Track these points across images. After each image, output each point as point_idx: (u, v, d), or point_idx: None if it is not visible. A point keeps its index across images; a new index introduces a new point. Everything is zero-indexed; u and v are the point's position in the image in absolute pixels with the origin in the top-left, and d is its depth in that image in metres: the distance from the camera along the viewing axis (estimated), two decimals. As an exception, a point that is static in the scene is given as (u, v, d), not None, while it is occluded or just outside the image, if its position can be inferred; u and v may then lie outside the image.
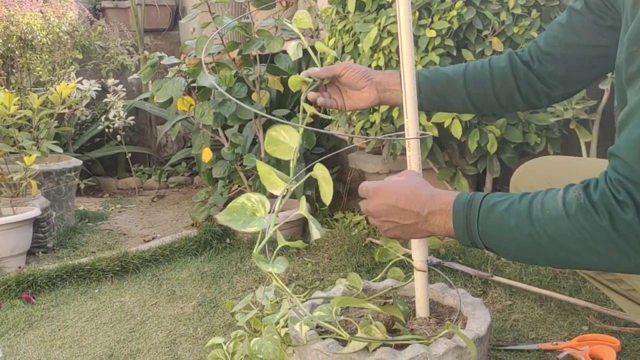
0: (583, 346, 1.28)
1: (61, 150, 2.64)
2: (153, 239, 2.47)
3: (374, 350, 0.96)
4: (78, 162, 2.81)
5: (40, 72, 3.09)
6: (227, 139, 2.40)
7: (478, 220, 0.79)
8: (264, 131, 2.36)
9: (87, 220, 2.85)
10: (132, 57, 3.94)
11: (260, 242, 0.88)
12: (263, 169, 0.92)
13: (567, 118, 1.71)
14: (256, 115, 2.32)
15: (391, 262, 1.20)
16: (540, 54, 1.06)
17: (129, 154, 3.64)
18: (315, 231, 0.88)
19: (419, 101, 1.08)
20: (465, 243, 0.82)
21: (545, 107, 1.12)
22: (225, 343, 1.36)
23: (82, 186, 2.95)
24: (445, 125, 1.68)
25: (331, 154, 1.07)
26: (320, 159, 1.07)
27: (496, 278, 1.64)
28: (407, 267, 1.23)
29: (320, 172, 0.88)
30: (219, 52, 2.30)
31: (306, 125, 1.01)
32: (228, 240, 2.29)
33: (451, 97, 1.13)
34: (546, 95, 1.09)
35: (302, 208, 0.92)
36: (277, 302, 1.27)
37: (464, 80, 1.11)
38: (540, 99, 1.10)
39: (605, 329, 1.38)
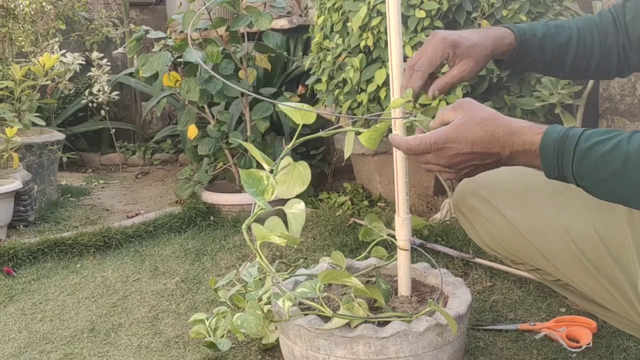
0: (560, 327, 1.31)
1: (43, 123, 2.60)
2: (136, 215, 2.46)
3: (355, 326, 0.97)
4: (61, 136, 2.77)
5: (23, 43, 3.02)
6: (213, 116, 2.38)
7: (573, 160, 0.73)
8: (251, 109, 2.34)
9: (69, 195, 2.82)
10: (117, 30, 3.87)
11: (252, 217, 0.95)
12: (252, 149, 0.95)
13: (553, 103, 1.72)
14: (243, 93, 2.30)
15: (375, 242, 1.21)
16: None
17: (113, 130, 3.60)
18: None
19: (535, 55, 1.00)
20: (554, 178, 0.78)
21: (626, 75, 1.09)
22: (207, 319, 1.36)
23: (64, 160, 2.90)
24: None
25: (316, 135, 1.06)
26: (305, 139, 1.07)
27: (477, 260, 1.66)
28: (390, 247, 1.24)
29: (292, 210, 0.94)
30: (206, 28, 2.26)
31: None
32: (212, 217, 2.28)
33: (555, 66, 1.05)
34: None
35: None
36: (260, 279, 1.28)
37: (574, 53, 1.03)
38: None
39: (582, 311, 1.40)
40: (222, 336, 1.30)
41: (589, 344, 1.25)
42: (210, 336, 1.31)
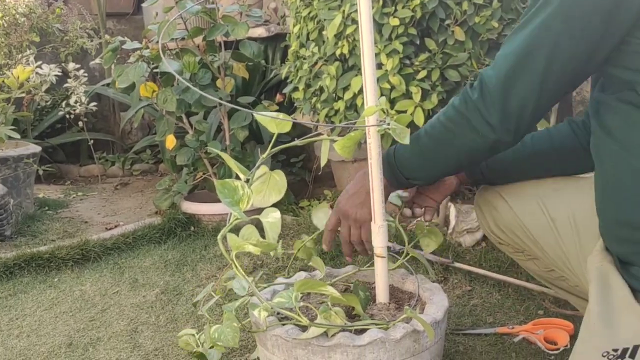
0: (538, 329, 1.32)
1: (18, 136, 2.56)
2: (115, 226, 2.43)
3: (333, 335, 0.97)
4: (37, 149, 2.73)
5: (-4, 56, 2.98)
6: (191, 125, 2.37)
7: (394, 157, 1.06)
8: (229, 118, 2.34)
9: (47, 208, 2.78)
10: (92, 41, 3.83)
11: (228, 227, 0.97)
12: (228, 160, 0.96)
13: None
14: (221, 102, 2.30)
15: (355, 249, 1.21)
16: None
17: (92, 141, 3.55)
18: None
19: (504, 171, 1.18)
20: (395, 185, 1.09)
21: None
22: (197, 334, 1.34)
23: (41, 173, 2.86)
24: (408, 113, 1.69)
25: (296, 143, 1.07)
26: (281, 147, 1.07)
27: (457, 264, 1.67)
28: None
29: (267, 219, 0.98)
30: (183, 38, 2.26)
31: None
32: (192, 228, 2.27)
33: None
34: None
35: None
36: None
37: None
38: None
39: (559, 313, 1.42)
40: (211, 347, 1.29)
41: (566, 345, 1.26)
42: (199, 347, 1.29)
